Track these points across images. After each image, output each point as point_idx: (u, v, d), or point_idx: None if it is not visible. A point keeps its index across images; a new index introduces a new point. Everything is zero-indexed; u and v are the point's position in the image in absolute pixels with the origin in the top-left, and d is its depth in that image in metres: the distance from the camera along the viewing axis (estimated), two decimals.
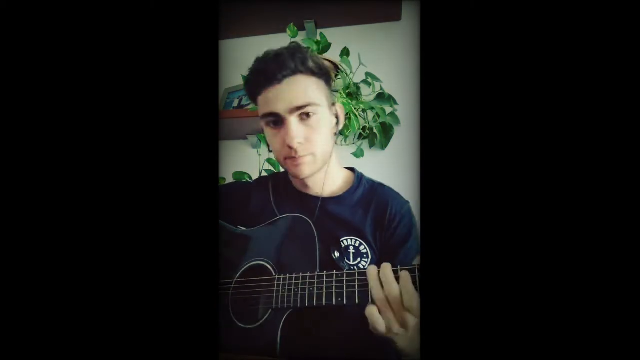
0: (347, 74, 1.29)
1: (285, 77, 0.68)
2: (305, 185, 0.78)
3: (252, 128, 1.38)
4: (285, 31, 1.30)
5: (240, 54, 1.49)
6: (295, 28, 1.30)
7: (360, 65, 1.29)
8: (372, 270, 0.54)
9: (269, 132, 0.72)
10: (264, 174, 1.26)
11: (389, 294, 0.51)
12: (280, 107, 0.67)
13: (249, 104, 1.41)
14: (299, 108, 0.67)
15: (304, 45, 0.75)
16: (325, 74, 0.72)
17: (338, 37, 1.37)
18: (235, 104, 1.47)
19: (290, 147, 0.68)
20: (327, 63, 0.74)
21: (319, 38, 1.30)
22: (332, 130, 0.74)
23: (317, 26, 1.44)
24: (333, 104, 0.75)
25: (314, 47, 1.28)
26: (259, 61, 0.72)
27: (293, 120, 0.68)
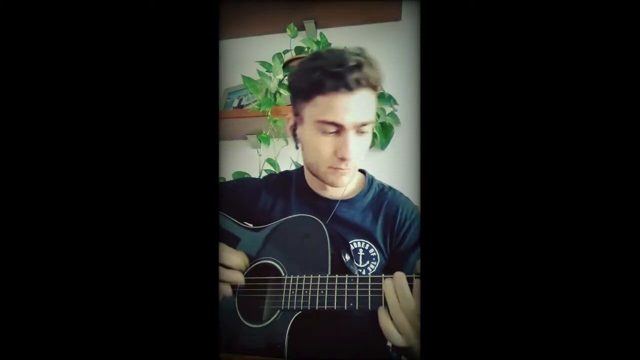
0: None
1: (359, 88, 0.63)
2: (324, 188, 0.77)
3: (252, 128, 1.38)
4: (285, 31, 1.30)
5: (240, 54, 1.49)
6: (295, 28, 1.30)
7: None
8: (388, 282, 0.52)
9: (319, 138, 0.67)
10: (264, 174, 1.26)
11: (405, 305, 0.50)
12: (347, 119, 0.63)
13: (249, 104, 1.41)
14: (363, 124, 0.65)
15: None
16: (380, 82, 0.68)
17: (338, 37, 1.37)
18: (235, 104, 1.47)
19: (343, 159, 0.66)
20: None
21: (319, 38, 1.30)
22: (370, 138, 0.72)
23: (317, 26, 1.45)
24: None
25: (314, 47, 1.28)
26: (329, 58, 0.65)
27: (350, 135, 0.65)
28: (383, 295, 0.53)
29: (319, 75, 0.63)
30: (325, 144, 0.67)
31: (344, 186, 0.72)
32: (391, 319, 0.51)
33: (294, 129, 0.73)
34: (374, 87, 0.66)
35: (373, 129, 1.28)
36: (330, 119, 0.64)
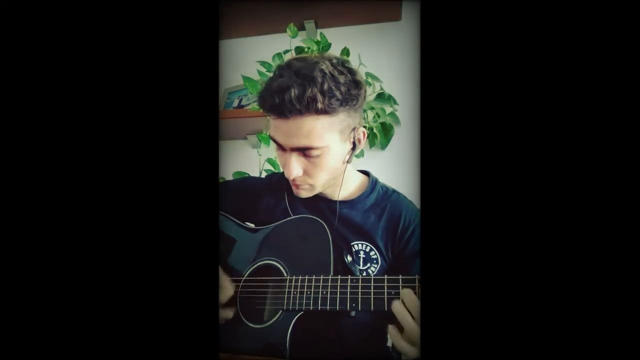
0: None
1: (298, 115, 0.60)
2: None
3: (252, 128, 1.38)
4: (285, 31, 1.30)
5: (240, 54, 1.49)
6: (295, 28, 1.30)
7: (360, 65, 1.29)
8: (398, 306, 0.52)
9: (277, 152, 0.69)
10: (264, 174, 1.26)
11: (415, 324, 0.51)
12: (283, 141, 0.64)
13: (249, 104, 1.41)
14: (300, 149, 0.63)
15: (333, 60, 0.63)
16: (353, 97, 0.63)
17: (338, 37, 1.37)
18: (235, 104, 1.47)
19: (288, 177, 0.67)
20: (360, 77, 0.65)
21: (319, 38, 1.30)
22: (342, 159, 0.68)
23: (317, 26, 1.44)
24: (354, 129, 0.67)
25: (314, 47, 1.28)
26: (273, 82, 0.62)
27: (294, 156, 0.64)
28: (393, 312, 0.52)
29: (264, 97, 0.63)
30: (280, 157, 0.69)
31: (304, 197, 0.72)
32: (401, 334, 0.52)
33: None
34: (313, 113, 0.60)
35: (371, 131, 1.29)
36: (272, 136, 0.65)
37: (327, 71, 0.61)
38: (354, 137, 0.68)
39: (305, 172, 0.66)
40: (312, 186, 0.69)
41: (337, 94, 0.60)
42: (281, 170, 0.94)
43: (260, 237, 0.72)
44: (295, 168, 0.65)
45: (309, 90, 0.59)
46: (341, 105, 0.61)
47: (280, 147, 0.67)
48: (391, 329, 0.53)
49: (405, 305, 0.52)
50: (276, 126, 0.64)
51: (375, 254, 0.70)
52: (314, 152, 0.64)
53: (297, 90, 0.59)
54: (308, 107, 0.59)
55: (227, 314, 0.66)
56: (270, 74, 0.67)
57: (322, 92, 0.59)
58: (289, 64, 0.64)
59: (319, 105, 0.59)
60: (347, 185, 0.76)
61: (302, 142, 0.62)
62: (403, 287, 0.54)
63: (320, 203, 0.75)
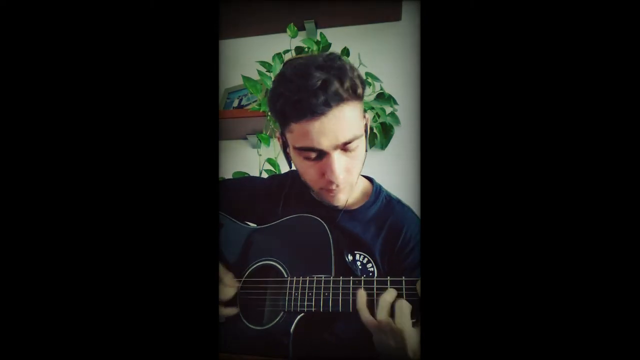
0: None
1: (329, 109, 0.57)
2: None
3: (252, 128, 1.38)
4: (285, 31, 1.30)
5: (240, 54, 1.49)
6: (295, 28, 1.30)
7: (360, 65, 1.29)
8: (362, 296, 0.54)
9: (303, 162, 0.64)
10: (264, 174, 1.26)
11: (380, 318, 0.52)
12: (324, 143, 0.59)
13: (249, 104, 1.41)
14: (345, 143, 0.60)
15: (341, 57, 0.62)
16: (363, 88, 0.63)
17: (338, 37, 1.37)
18: (235, 104, 1.47)
19: (332, 182, 0.62)
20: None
21: (319, 38, 1.30)
22: (365, 147, 0.67)
23: (317, 26, 1.44)
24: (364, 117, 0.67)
25: (314, 47, 1.28)
26: (293, 81, 0.58)
27: (337, 155, 0.60)
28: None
29: (283, 105, 0.60)
30: (311, 169, 0.64)
31: (341, 204, 0.69)
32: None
33: (284, 148, 0.69)
34: (357, 97, 0.61)
35: (372, 131, 1.29)
36: (307, 145, 0.60)
37: (343, 59, 0.62)
38: (365, 123, 0.67)
39: (347, 170, 0.63)
40: (351, 184, 0.67)
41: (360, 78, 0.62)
42: (282, 171, 0.93)
43: (259, 235, 0.71)
44: (340, 167, 0.61)
45: (348, 79, 0.59)
46: (362, 89, 0.62)
47: (310, 155, 0.62)
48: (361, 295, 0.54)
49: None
50: (305, 131, 0.59)
51: (372, 266, 0.68)
52: (354, 144, 0.61)
53: (337, 81, 0.58)
54: (353, 91, 0.59)
55: (230, 311, 0.65)
56: (272, 80, 0.65)
57: (354, 78, 0.60)
58: (306, 64, 0.60)
59: (359, 91, 0.61)
60: (352, 193, 0.73)
61: (347, 135, 0.60)
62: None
63: (321, 209, 0.72)
